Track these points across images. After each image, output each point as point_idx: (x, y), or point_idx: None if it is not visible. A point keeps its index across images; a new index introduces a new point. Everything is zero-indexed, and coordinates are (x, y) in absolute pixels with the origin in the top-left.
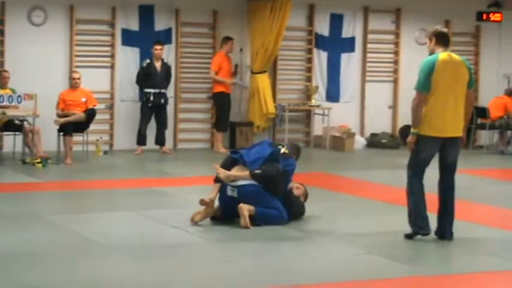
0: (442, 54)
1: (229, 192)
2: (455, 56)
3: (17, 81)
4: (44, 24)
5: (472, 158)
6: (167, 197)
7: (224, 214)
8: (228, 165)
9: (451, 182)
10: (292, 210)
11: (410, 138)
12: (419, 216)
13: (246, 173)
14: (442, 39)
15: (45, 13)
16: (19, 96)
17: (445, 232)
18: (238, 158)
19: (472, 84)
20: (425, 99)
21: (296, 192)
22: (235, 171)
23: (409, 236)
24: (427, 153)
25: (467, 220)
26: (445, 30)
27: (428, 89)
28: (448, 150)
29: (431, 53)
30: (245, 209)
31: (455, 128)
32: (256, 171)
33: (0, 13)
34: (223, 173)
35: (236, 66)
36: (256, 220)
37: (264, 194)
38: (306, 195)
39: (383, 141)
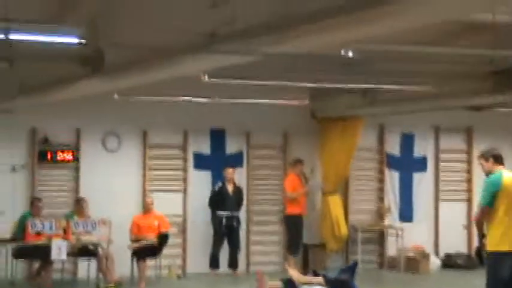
0: (505, 172)
1: None
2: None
3: (91, 206)
4: (118, 150)
5: None
6: None
7: None
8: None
9: None
10: None
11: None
12: None
13: (319, 278)
14: (499, 160)
15: (119, 139)
16: (94, 222)
17: None
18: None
19: None
20: (488, 216)
21: None
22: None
23: None
24: (503, 270)
25: None
26: (499, 151)
27: (492, 205)
28: None
29: (489, 172)
30: None
31: None
32: (330, 275)
33: (75, 139)
34: (295, 274)
35: (312, 170)
36: None
37: None
38: None
39: (458, 261)
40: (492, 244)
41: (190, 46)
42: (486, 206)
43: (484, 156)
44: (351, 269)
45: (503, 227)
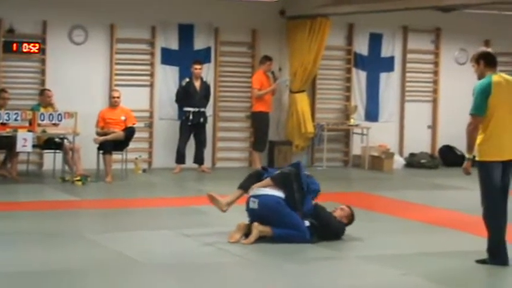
0: (495, 76)
1: (250, 204)
2: (507, 76)
3: (57, 99)
4: (85, 43)
5: None
6: (205, 215)
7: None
8: (254, 179)
9: (506, 205)
10: (327, 229)
11: (465, 164)
12: (496, 249)
13: (267, 180)
14: (491, 61)
15: (86, 32)
16: (59, 114)
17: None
18: (264, 173)
19: None
20: (480, 123)
21: (339, 213)
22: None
23: (481, 262)
24: (495, 179)
25: None
26: (492, 51)
27: (484, 113)
28: (505, 174)
29: (481, 76)
30: (256, 228)
31: None
32: (275, 173)
33: (41, 32)
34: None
35: (280, 69)
36: (275, 241)
37: (285, 208)
38: (350, 218)
39: (422, 161)
40: (483, 154)
41: None
42: (476, 115)
43: (474, 58)
44: (294, 165)
45: (495, 134)
